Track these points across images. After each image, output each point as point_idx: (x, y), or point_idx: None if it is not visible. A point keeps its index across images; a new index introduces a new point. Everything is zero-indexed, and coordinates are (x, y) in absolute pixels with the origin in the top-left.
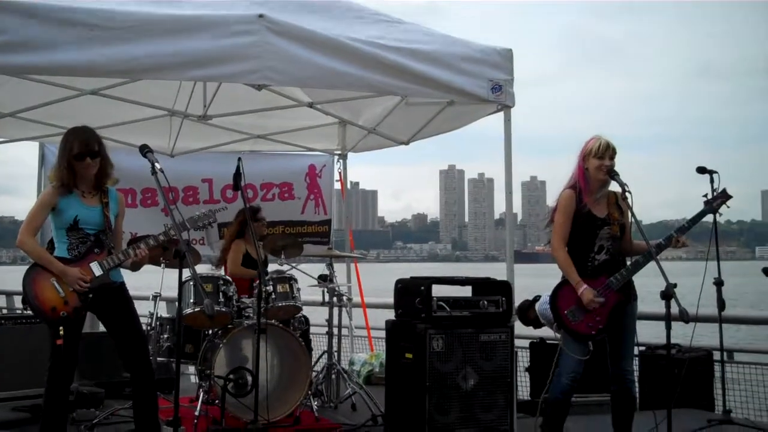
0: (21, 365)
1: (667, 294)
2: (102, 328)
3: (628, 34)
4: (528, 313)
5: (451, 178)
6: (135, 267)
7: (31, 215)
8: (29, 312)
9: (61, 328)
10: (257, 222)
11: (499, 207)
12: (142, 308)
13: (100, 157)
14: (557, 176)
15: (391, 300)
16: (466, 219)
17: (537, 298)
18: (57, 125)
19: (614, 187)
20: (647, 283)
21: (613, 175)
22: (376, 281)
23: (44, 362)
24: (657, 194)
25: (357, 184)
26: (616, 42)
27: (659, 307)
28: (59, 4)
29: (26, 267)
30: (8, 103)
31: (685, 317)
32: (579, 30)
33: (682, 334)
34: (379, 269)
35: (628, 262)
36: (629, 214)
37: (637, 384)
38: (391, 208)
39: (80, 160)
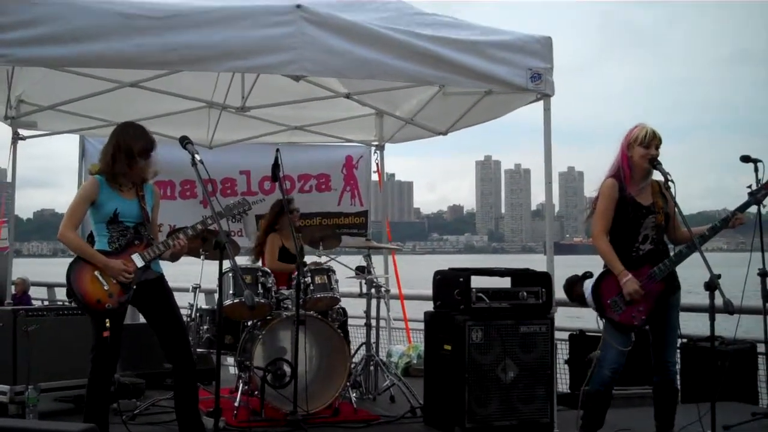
0: (63, 356)
1: (711, 285)
2: (142, 320)
3: (662, 20)
4: (575, 287)
5: (487, 169)
6: (174, 257)
7: (71, 209)
8: (71, 303)
9: (107, 320)
10: (290, 213)
11: (536, 198)
12: (182, 299)
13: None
14: (594, 166)
15: (428, 291)
16: (503, 210)
17: (587, 275)
18: (97, 118)
19: (656, 175)
20: (689, 274)
21: (655, 164)
22: (413, 273)
23: (86, 353)
24: (695, 184)
25: (393, 175)
26: (650, 29)
27: (702, 299)
28: None
29: (66, 259)
30: (48, 96)
31: (729, 308)
32: (613, 17)
33: (725, 326)
34: (415, 261)
35: (671, 252)
36: (673, 203)
37: (678, 376)
38: (427, 200)
39: (141, 157)
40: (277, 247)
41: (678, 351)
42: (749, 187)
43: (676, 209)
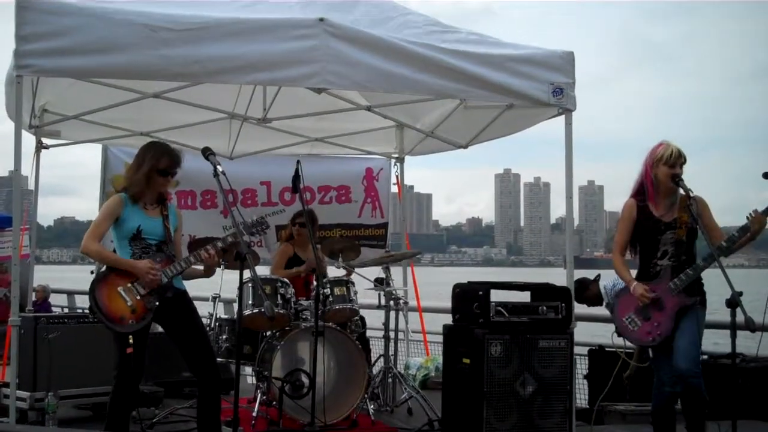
0: (83, 363)
1: (733, 302)
2: (160, 328)
3: (680, 36)
4: (586, 291)
5: (506, 182)
6: (208, 272)
7: (95, 225)
8: (93, 319)
9: (130, 336)
10: (293, 226)
11: (556, 211)
12: (201, 309)
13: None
14: (614, 180)
15: (446, 304)
16: (522, 223)
17: (597, 278)
18: (120, 127)
19: (694, 185)
20: (710, 291)
21: (677, 181)
22: (431, 285)
23: (106, 361)
24: (715, 199)
25: (412, 187)
26: (668, 44)
27: (723, 316)
28: (122, 7)
29: (86, 266)
30: (72, 105)
31: (751, 326)
32: (632, 33)
33: (746, 343)
34: (434, 273)
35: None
36: (708, 215)
37: None
38: (446, 212)
39: (163, 176)
40: (286, 256)
41: None
42: None
43: (699, 222)
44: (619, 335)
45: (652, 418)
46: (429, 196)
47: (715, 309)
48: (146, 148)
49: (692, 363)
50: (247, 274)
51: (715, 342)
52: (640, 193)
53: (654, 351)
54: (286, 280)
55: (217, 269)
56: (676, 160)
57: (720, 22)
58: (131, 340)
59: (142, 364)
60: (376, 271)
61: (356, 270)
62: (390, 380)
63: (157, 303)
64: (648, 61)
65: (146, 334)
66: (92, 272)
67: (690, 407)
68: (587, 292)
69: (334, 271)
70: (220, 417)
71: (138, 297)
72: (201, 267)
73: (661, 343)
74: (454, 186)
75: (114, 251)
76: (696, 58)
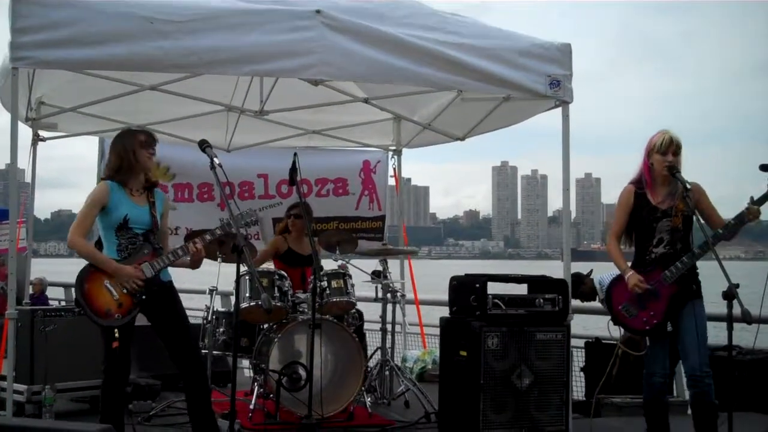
0: (80, 356)
1: (730, 294)
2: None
3: (678, 32)
4: (581, 287)
5: (504, 175)
6: (194, 264)
7: (81, 215)
8: (80, 312)
9: (116, 330)
10: (289, 218)
11: (553, 204)
12: (199, 302)
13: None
14: (610, 173)
15: (443, 296)
16: (519, 216)
17: (590, 273)
18: (117, 120)
19: (691, 178)
20: (706, 284)
21: (673, 172)
22: (428, 278)
23: (102, 354)
24: (711, 192)
25: (409, 180)
26: (666, 40)
27: (720, 308)
28: None
29: (83, 260)
30: (69, 98)
31: (747, 318)
32: (630, 27)
33: (743, 335)
34: (431, 265)
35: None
36: (707, 202)
37: None
38: (443, 205)
39: (146, 149)
40: (273, 250)
41: None
42: None
43: (696, 211)
44: (615, 324)
45: (644, 410)
46: (426, 189)
47: (712, 301)
48: (119, 136)
49: (703, 361)
50: (244, 266)
51: (712, 335)
52: (640, 181)
53: (650, 341)
54: (283, 272)
55: (215, 262)
56: (668, 147)
57: (717, 21)
58: (117, 334)
59: (128, 357)
60: (374, 264)
61: (352, 262)
62: (387, 373)
63: (144, 297)
64: (646, 56)
65: (132, 327)
66: None
67: (700, 413)
68: (582, 287)
69: (330, 264)
70: (212, 404)
71: (124, 291)
72: (188, 258)
73: (654, 330)
74: (452, 179)
75: (99, 240)
76: (694, 54)
